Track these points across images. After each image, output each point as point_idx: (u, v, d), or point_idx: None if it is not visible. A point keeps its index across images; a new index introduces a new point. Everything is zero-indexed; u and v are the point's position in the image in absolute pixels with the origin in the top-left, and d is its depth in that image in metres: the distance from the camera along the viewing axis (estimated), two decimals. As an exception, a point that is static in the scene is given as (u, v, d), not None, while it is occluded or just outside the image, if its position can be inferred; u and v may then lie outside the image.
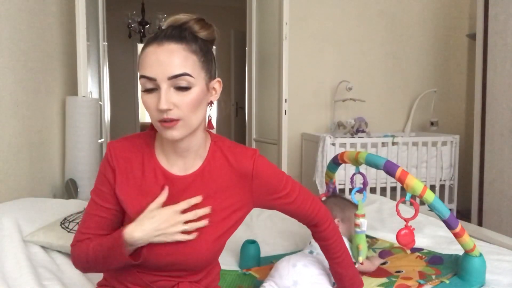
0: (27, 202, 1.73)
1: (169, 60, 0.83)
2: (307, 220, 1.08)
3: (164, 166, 0.95)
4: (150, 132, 0.99)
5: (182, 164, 0.95)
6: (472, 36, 3.68)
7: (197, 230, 0.93)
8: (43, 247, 1.45)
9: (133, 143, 0.97)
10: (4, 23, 1.98)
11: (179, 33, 0.87)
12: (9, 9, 2.04)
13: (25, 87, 2.23)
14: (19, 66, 2.16)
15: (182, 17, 0.91)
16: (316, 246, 1.34)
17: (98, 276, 1.07)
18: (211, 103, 0.94)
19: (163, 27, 0.92)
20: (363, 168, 2.98)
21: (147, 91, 0.85)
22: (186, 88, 0.85)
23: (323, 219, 1.08)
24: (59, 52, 2.82)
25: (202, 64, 0.88)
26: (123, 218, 0.97)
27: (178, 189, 0.95)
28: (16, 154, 2.11)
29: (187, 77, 0.84)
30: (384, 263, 1.45)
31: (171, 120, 0.84)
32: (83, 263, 0.94)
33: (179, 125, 0.85)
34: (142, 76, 0.85)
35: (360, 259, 1.29)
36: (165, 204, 0.94)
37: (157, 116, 0.85)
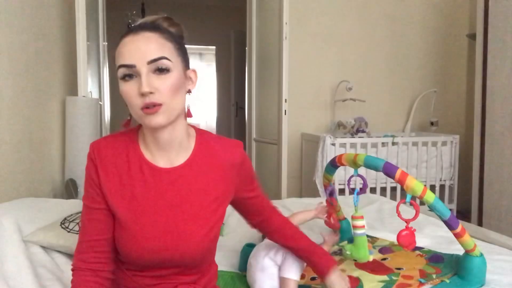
0: (27, 202, 1.73)
1: (147, 46, 0.85)
2: (264, 214, 1.14)
3: (149, 159, 0.95)
4: (133, 128, 0.99)
5: (167, 157, 0.95)
6: (472, 36, 3.67)
7: (188, 223, 0.94)
8: (43, 247, 1.45)
9: (116, 140, 0.97)
10: (4, 23, 1.98)
11: (153, 25, 0.90)
12: (9, 9, 2.04)
13: (25, 87, 2.23)
14: (19, 66, 2.16)
15: (150, 17, 0.94)
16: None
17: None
18: (189, 91, 0.96)
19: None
20: (363, 169, 2.98)
21: (126, 80, 0.86)
22: (165, 71, 0.86)
23: (273, 210, 1.15)
24: (59, 52, 2.82)
25: (178, 52, 0.90)
26: None
27: (166, 182, 0.94)
28: (16, 154, 2.11)
29: (165, 61, 0.86)
30: (384, 259, 1.45)
31: (154, 105, 0.84)
32: None
33: (161, 110, 0.85)
34: (121, 66, 0.86)
35: (371, 257, 1.30)
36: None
37: (139, 102, 0.85)
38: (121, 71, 0.86)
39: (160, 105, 0.85)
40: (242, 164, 1.03)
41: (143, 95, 0.84)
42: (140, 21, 0.93)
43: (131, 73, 0.85)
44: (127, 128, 1.00)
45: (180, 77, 0.89)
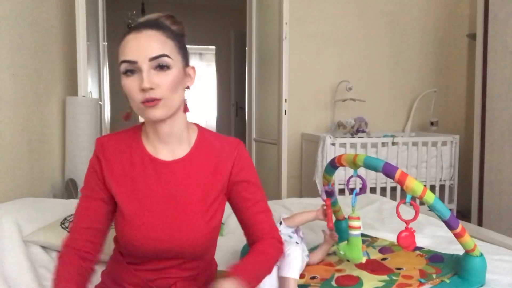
0: (27, 202, 1.73)
1: (149, 43, 0.89)
2: (250, 228, 1.05)
3: (150, 152, 0.99)
4: (136, 126, 1.04)
5: (168, 150, 0.99)
6: (472, 36, 3.67)
7: (188, 214, 0.96)
8: (43, 247, 1.45)
9: (120, 136, 1.02)
10: (4, 23, 1.98)
11: (155, 23, 0.94)
12: (9, 9, 2.04)
13: (25, 87, 2.23)
14: (19, 66, 2.16)
15: (153, 15, 0.98)
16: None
17: (97, 279, 1.06)
18: (187, 87, 0.99)
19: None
20: (363, 169, 2.98)
21: (128, 75, 0.89)
22: (166, 68, 0.89)
23: (271, 233, 1.04)
24: (59, 52, 2.82)
25: (178, 50, 0.94)
26: (112, 210, 0.99)
27: (167, 174, 0.98)
28: (16, 154, 2.11)
29: (166, 58, 0.89)
30: (384, 259, 1.45)
31: (153, 100, 0.88)
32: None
33: (160, 105, 0.89)
34: (123, 61, 0.89)
35: (364, 259, 1.30)
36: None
37: (140, 97, 0.89)
38: (123, 66, 0.90)
39: (159, 99, 0.89)
40: (238, 157, 1.03)
41: (143, 90, 0.87)
42: (143, 18, 0.96)
43: (132, 69, 0.89)
44: (131, 127, 1.05)
45: (180, 73, 0.93)
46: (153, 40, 0.89)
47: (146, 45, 0.88)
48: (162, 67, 0.89)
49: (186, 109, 1.01)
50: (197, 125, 1.07)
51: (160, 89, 0.88)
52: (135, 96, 0.89)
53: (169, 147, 0.99)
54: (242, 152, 1.04)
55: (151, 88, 0.87)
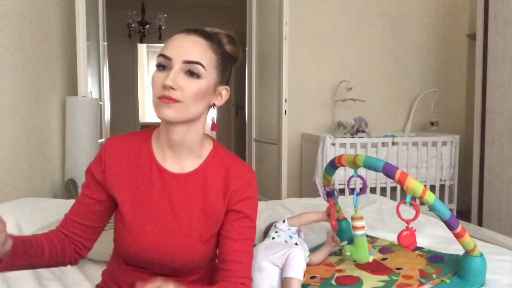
0: (27, 202, 1.73)
1: (190, 47, 0.89)
2: (225, 262, 0.95)
3: (159, 161, 0.97)
4: (149, 129, 1.03)
5: (176, 160, 0.97)
6: (472, 36, 3.68)
7: (183, 232, 0.94)
8: (43, 247, 1.44)
9: (131, 138, 1.00)
10: (4, 23, 1.98)
11: (207, 33, 0.93)
12: (9, 9, 2.04)
13: (25, 87, 2.23)
14: (19, 66, 2.16)
15: (215, 29, 0.98)
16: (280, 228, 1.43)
17: (97, 278, 1.06)
18: (214, 105, 0.98)
19: None
20: (363, 169, 2.98)
21: (159, 69, 0.90)
22: (196, 76, 0.88)
23: (233, 274, 0.93)
24: (59, 52, 2.82)
25: (217, 65, 0.93)
26: (108, 210, 0.99)
27: (172, 186, 0.96)
28: (16, 154, 2.11)
29: (200, 67, 0.88)
30: (384, 259, 1.45)
31: (171, 98, 0.87)
32: None
33: (176, 106, 0.88)
34: (160, 54, 0.90)
35: (371, 258, 1.30)
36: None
37: (160, 92, 0.88)
38: (159, 60, 0.90)
39: (176, 101, 0.87)
40: (245, 190, 0.97)
41: (164, 87, 0.87)
42: (204, 28, 0.96)
43: (165, 65, 0.89)
44: (143, 129, 1.04)
45: (208, 87, 0.91)
46: (195, 46, 0.89)
47: (186, 47, 0.88)
48: (192, 74, 0.88)
49: (214, 127, 1.01)
50: (214, 140, 1.03)
51: (182, 93, 0.87)
52: (156, 90, 0.89)
53: (177, 155, 0.96)
54: (250, 182, 0.98)
55: (172, 88, 0.86)
